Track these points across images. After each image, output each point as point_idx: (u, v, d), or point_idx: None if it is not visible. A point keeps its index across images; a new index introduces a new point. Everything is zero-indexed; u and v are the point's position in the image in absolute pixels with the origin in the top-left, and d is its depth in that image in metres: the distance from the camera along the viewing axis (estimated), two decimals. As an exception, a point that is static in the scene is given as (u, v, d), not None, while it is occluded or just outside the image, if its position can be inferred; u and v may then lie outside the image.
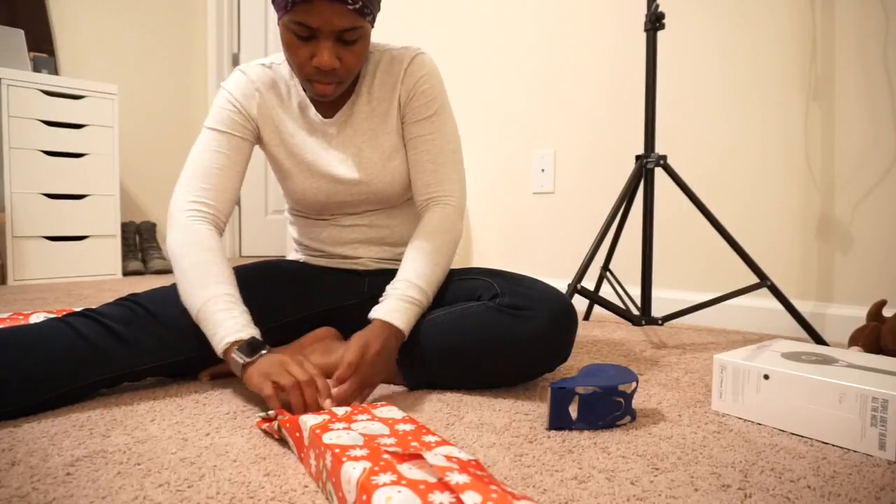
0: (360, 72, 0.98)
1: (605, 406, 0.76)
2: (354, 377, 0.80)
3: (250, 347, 0.78)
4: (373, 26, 0.88)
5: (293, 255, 1.16)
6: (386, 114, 0.98)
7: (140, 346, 0.86)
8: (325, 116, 0.99)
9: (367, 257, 1.07)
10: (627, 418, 0.79)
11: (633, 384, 0.78)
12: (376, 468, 0.50)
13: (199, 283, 0.83)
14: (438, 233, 0.95)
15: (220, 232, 0.93)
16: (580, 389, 0.75)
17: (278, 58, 1.00)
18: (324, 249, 1.08)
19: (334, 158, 0.99)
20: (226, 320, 0.80)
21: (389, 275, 1.07)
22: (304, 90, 0.98)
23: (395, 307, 0.87)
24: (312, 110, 0.98)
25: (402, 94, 0.98)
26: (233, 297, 0.84)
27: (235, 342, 0.79)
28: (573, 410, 0.75)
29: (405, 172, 1.01)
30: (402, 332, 0.87)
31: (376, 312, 0.87)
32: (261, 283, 1.01)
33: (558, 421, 0.76)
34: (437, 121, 0.98)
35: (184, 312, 0.89)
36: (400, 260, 1.08)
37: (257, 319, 0.91)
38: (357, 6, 0.81)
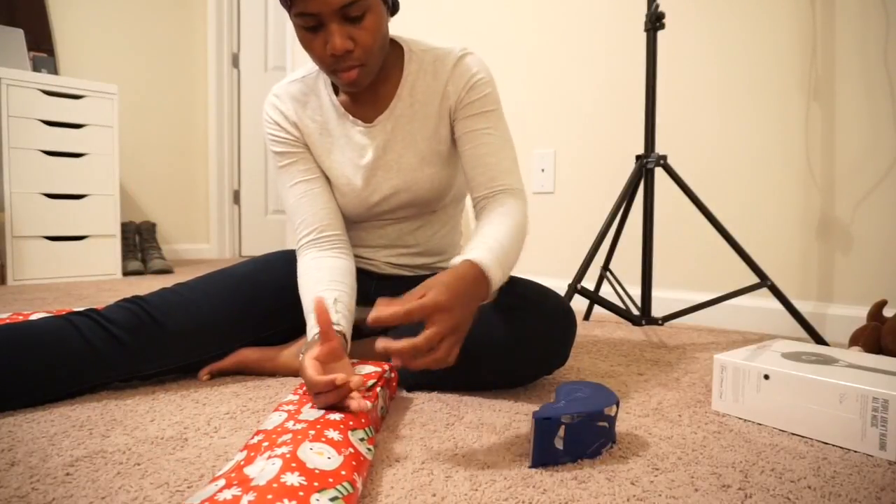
0: (402, 73, 0.94)
1: (590, 434, 0.67)
2: (443, 320, 0.64)
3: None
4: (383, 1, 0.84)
5: None
6: (428, 117, 0.94)
7: (143, 353, 0.89)
8: (365, 121, 0.95)
9: (383, 261, 1.05)
10: (610, 444, 0.71)
11: (615, 407, 0.70)
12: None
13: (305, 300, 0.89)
14: (515, 214, 0.86)
15: (339, 239, 0.96)
16: (566, 419, 0.65)
17: (309, 69, 0.98)
18: None
19: (373, 167, 0.96)
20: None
21: (399, 281, 1.06)
22: (337, 86, 0.96)
23: (491, 258, 0.74)
24: (350, 117, 0.95)
25: (450, 93, 0.93)
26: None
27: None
28: (558, 442, 0.66)
29: (444, 178, 0.98)
30: (491, 286, 0.73)
31: (467, 254, 0.74)
32: (261, 282, 1.01)
33: (543, 456, 0.65)
34: (494, 117, 0.93)
35: (189, 317, 0.90)
36: (416, 270, 1.07)
37: (250, 321, 0.97)
38: None
